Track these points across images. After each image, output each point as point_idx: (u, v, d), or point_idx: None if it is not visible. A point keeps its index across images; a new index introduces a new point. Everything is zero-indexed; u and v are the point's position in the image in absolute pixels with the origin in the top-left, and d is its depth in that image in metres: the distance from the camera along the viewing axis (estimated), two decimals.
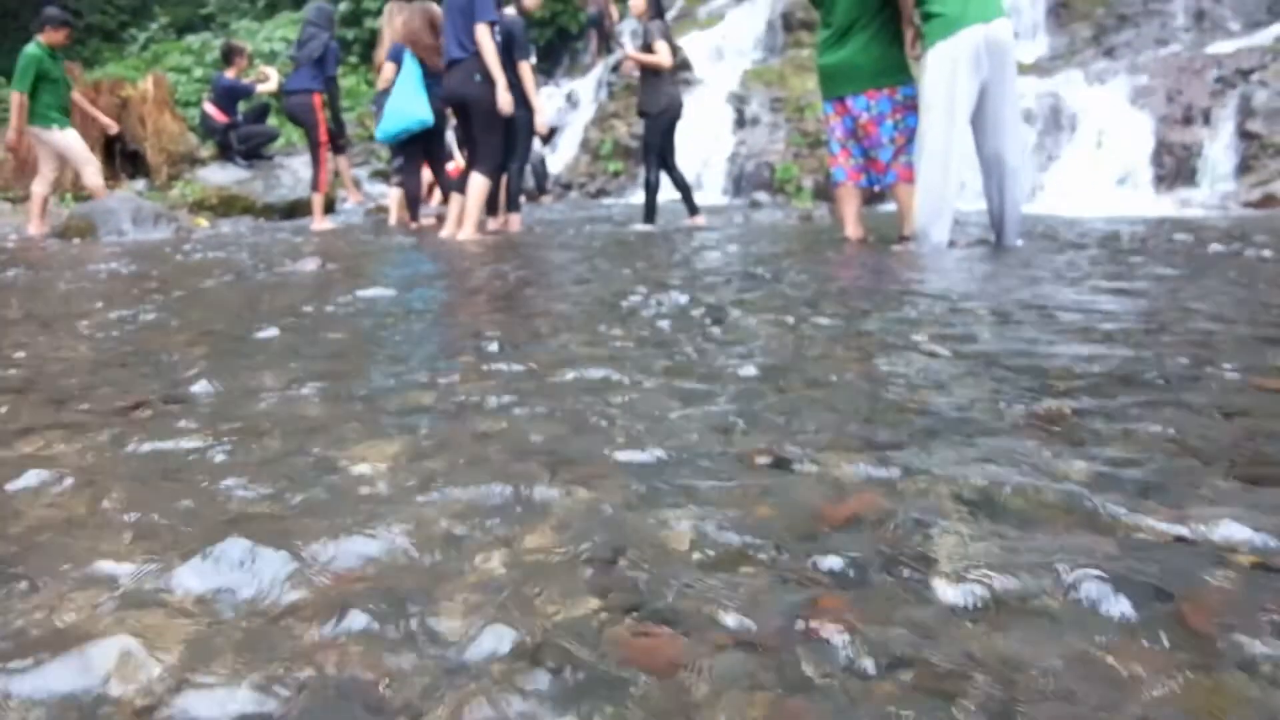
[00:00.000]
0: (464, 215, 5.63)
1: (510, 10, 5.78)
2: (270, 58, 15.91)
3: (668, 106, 6.01)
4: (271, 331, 2.36)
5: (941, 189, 4.16)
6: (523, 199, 9.07)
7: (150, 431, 1.42)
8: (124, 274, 4.10)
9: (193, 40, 16.89)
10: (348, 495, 1.12)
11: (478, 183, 5.59)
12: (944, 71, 4.07)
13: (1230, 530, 0.95)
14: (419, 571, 0.90)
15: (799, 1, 11.21)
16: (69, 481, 1.19)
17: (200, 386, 1.72)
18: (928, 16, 4.13)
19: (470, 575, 0.89)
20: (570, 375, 1.75)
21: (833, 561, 0.90)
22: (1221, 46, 9.23)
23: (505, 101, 5.47)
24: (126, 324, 2.57)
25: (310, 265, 4.16)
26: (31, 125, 7.56)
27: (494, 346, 2.06)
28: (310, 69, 7.30)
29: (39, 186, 7.74)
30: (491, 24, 5.40)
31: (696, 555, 0.93)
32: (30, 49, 7.53)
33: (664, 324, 2.32)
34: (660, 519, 1.03)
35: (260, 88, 9.49)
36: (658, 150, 6.14)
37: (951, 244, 4.27)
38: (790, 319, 2.34)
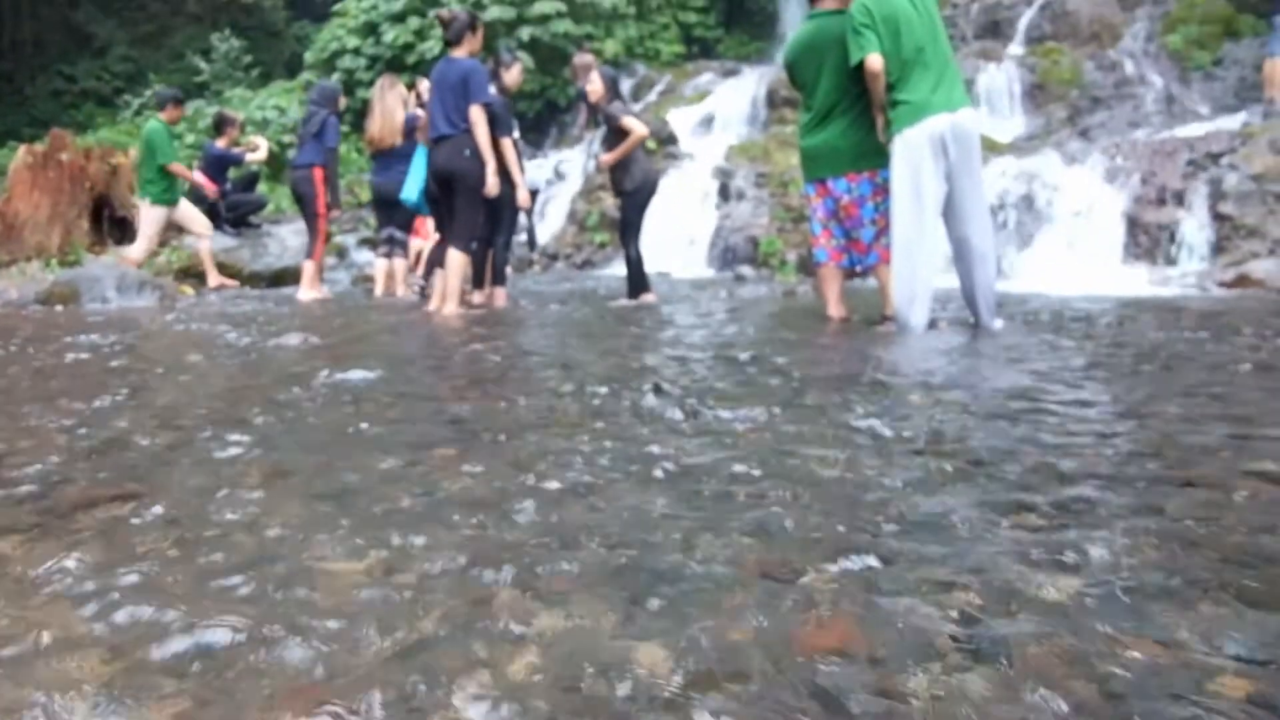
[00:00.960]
0: (446, 293, 5.65)
1: (491, 88, 5.89)
2: (262, 125, 16.11)
3: (644, 183, 6.08)
4: (248, 420, 2.33)
5: (913, 274, 4.21)
6: (509, 270, 9.18)
7: (102, 535, 1.39)
8: (103, 347, 4.07)
9: (185, 107, 17.08)
10: (314, 612, 1.09)
11: (455, 258, 5.64)
12: (910, 158, 4.18)
13: (1220, 659, 0.94)
14: (393, 706, 0.87)
15: (783, 79, 11.47)
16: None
17: (163, 484, 1.69)
18: (895, 104, 4.24)
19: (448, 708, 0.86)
20: (546, 480, 1.73)
21: (815, 691, 0.88)
22: (1192, 130, 9.49)
23: (493, 185, 5.55)
24: (98, 409, 2.54)
25: (293, 340, 4.15)
26: (141, 197, 8.37)
27: (468, 443, 2.04)
28: (312, 144, 7.46)
29: (136, 253, 8.40)
30: (485, 105, 5.51)
31: (676, 678, 0.91)
32: (156, 125, 8.18)
33: (643, 417, 2.31)
34: (633, 640, 1.00)
35: (250, 156, 9.62)
36: (637, 227, 6.20)
37: (933, 324, 4.30)
38: (771, 412, 2.33)
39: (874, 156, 4.56)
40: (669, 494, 1.60)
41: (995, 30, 13.32)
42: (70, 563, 1.28)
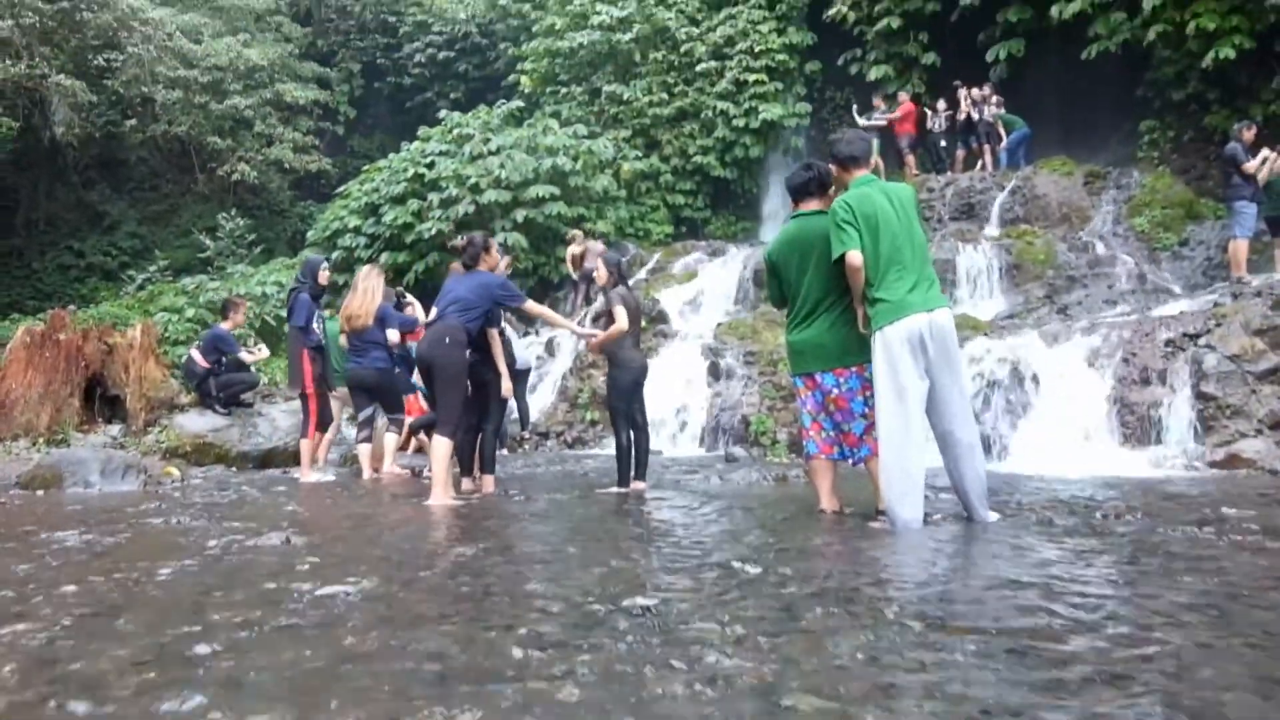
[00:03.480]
0: (433, 481, 5.61)
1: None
2: (261, 300, 16.47)
3: (630, 368, 6.17)
4: (211, 648, 2.22)
5: (903, 471, 4.20)
6: (504, 450, 9.19)
7: None
8: (73, 549, 3.95)
9: (188, 282, 17.51)
10: None
11: (440, 445, 5.63)
12: (889, 356, 4.26)
13: None
14: None
15: None
16: None
17: None
18: (874, 301, 4.36)
19: None
20: None
21: None
22: (1167, 309, 9.78)
23: (507, 389, 6.03)
24: (53, 635, 2.42)
25: (274, 539, 4.04)
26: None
27: (447, 693, 1.94)
28: (292, 329, 7.64)
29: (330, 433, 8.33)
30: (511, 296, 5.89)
31: None
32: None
33: (628, 654, 2.21)
34: None
35: (247, 357, 9.71)
36: (625, 412, 6.23)
37: (927, 518, 4.24)
38: (766, 640, 2.24)
39: (861, 351, 4.63)
40: None
41: (970, 212, 13.94)
42: None
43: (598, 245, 14.55)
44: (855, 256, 4.34)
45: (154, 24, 19.10)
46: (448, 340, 5.62)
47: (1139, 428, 7.74)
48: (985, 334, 9.20)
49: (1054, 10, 14.21)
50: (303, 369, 7.61)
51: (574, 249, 13.83)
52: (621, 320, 6.02)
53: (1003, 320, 10.82)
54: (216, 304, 16.69)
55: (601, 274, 6.31)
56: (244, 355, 9.61)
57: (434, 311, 5.99)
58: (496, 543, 4.07)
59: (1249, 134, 10.24)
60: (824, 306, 4.69)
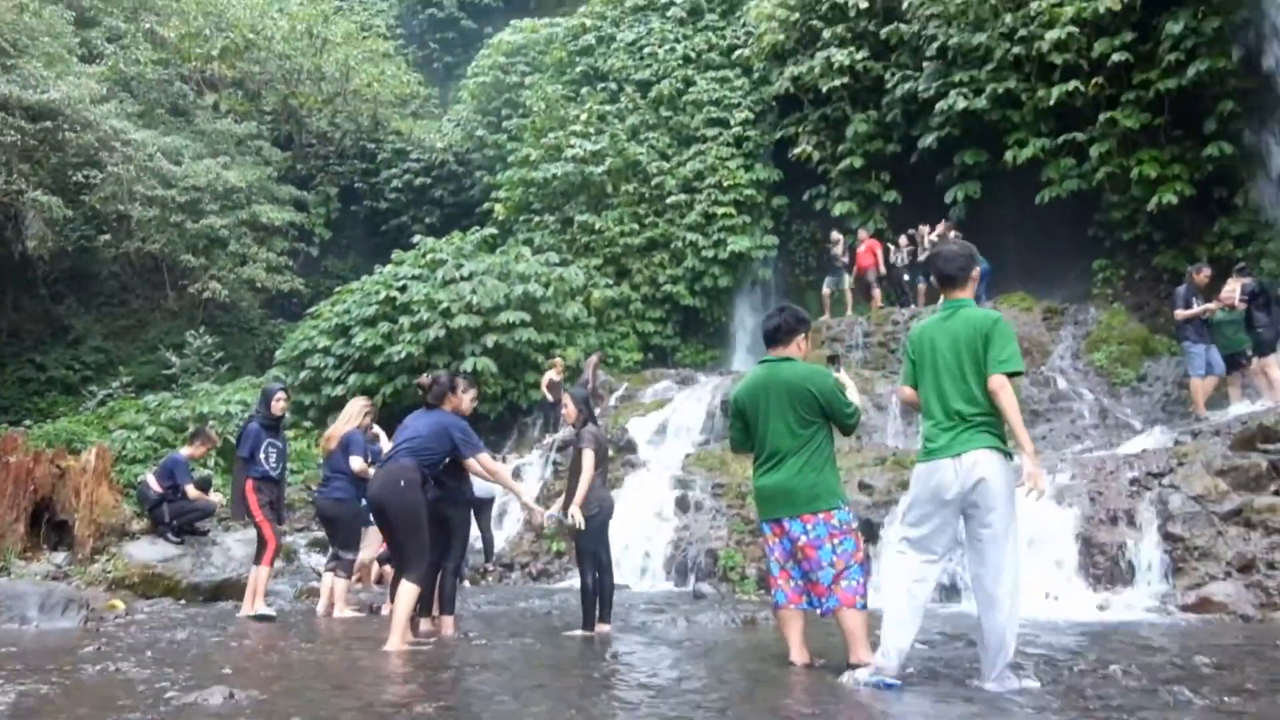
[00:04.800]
0: (393, 625, 5.39)
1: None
2: (226, 419, 16.21)
3: (599, 509, 6.08)
4: None
5: (896, 613, 4.09)
6: (465, 583, 8.92)
7: None
8: None
9: (151, 399, 17.23)
10: None
11: (405, 591, 5.39)
12: (915, 490, 4.27)
13: None
14: None
15: None
16: None
17: None
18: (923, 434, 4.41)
19: None
20: None
21: None
22: (1130, 446, 9.90)
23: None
24: None
25: (215, 699, 3.82)
26: None
27: None
28: (236, 459, 7.54)
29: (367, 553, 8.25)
30: (481, 454, 5.79)
31: None
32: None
33: None
34: None
35: (192, 492, 9.17)
36: (592, 553, 6.10)
37: (907, 675, 4.12)
38: None
39: (829, 498, 4.60)
40: None
41: None
42: None
43: (590, 358, 14.78)
44: (902, 391, 4.54)
45: (135, 145, 19.42)
46: (402, 483, 5.46)
47: (1109, 569, 7.69)
48: None
49: (1008, 155, 14.95)
50: (246, 499, 7.45)
51: (552, 375, 14.00)
52: (589, 467, 5.96)
53: None
54: (178, 422, 16.39)
55: (570, 412, 6.27)
56: (190, 491, 9.17)
57: (389, 446, 5.90)
58: (455, 698, 3.88)
59: (1200, 276, 10.62)
60: (791, 451, 4.67)
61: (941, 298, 4.58)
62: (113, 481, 10.17)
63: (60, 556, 9.36)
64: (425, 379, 6.04)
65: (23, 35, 19.32)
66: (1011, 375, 4.10)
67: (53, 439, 15.52)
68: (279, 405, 7.83)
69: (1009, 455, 4.15)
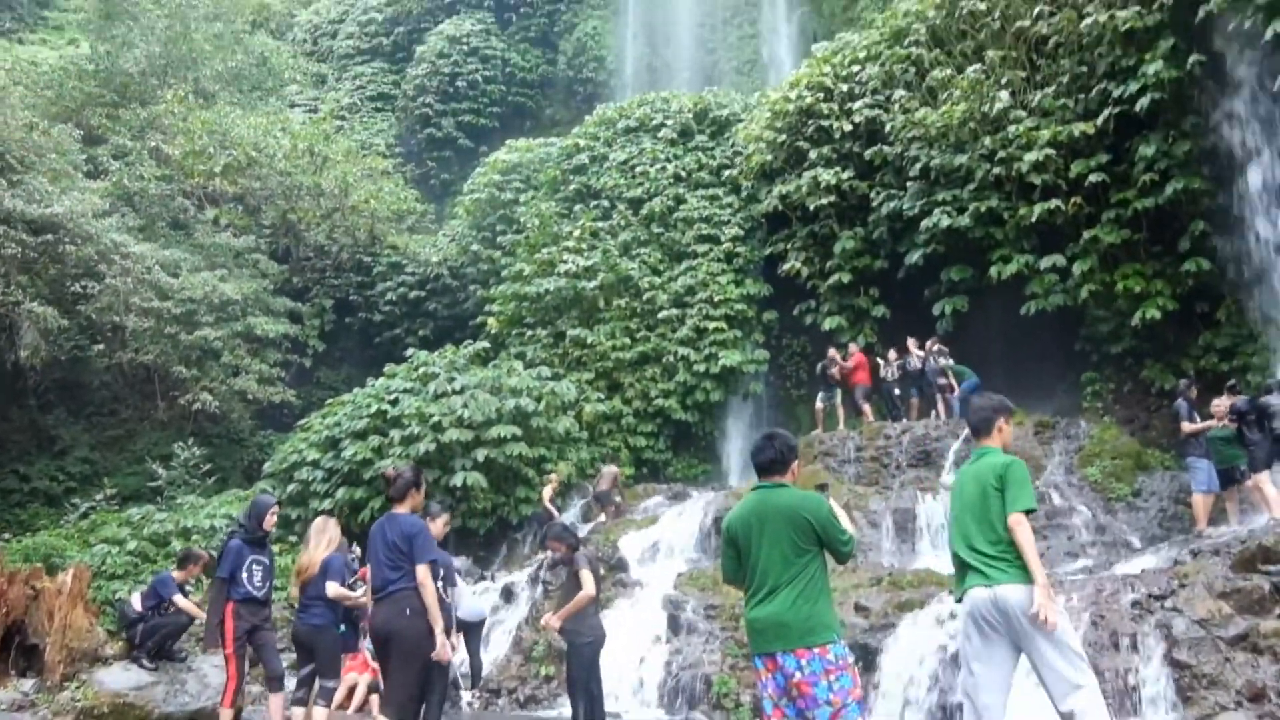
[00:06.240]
0: None
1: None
2: (210, 534, 15.95)
3: (592, 639, 5.92)
4: None
5: None
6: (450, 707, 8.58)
7: None
8: None
9: (134, 513, 16.97)
10: None
11: None
12: (962, 626, 4.64)
13: None
14: None
15: (732, 507, 11.81)
16: None
17: None
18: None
19: None
20: None
21: None
22: (1129, 565, 9.74)
23: (443, 649, 5.35)
24: None
25: None
26: None
27: None
28: (215, 579, 7.23)
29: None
30: (432, 562, 5.48)
31: None
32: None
33: None
34: None
35: (180, 601, 8.94)
36: (584, 682, 5.91)
37: None
38: None
39: (824, 631, 4.48)
40: None
41: (927, 460, 14.15)
42: None
43: (611, 469, 14.75)
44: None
45: (135, 258, 19.69)
46: (408, 611, 5.31)
47: (1115, 698, 7.45)
48: (949, 591, 9.03)
49: (993, 271, 15.22)
50: (223, 626, 7.09)
51: (549, 491, 14.05)
52: (590, 586, 5.85)
53: None
54: (161, 536, 16.07)
55: (559, 549, 6.22)
56: (178, 599, 8.88)
57: (368, 568, 5.73)
58: None
59: (1192, 392, 10.73)
60: (785, 582, 4.57)
61: (980, 443, 5.00)
62: (89, 603, 9.88)
63: (29, 684, 9.00)
64: (390, 470, 5.88)
65: (30, 152, 19.84)
66: (1027, 512, 4.59)
67: (31, 554, 15.20)
68: (271, 520, 7.52)
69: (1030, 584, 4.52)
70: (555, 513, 14.40)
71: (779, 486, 4.75)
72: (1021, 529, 4.50)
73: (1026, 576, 4.46)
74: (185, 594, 9.09)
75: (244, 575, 7.15)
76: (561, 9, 32.57)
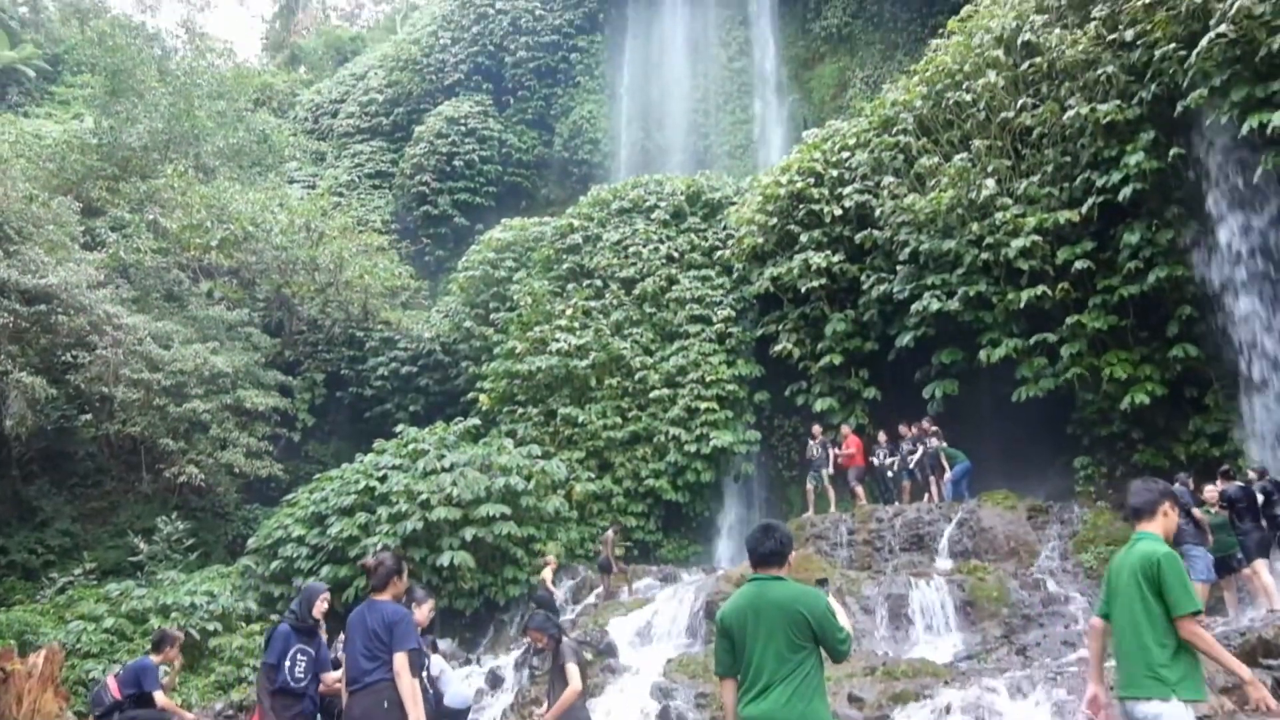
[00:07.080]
0: None
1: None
2: (189, 611, 15.60)
3: None
4: None
5: None
6: None
7: None
8: None
9: (113, 588, 16.59)
10: None
11: None
12: None
13: None
14: None
15: (724, 591, 11.62)
16: None
17: None
18: None
19: None
20: None
21: None
22: None
23: None
24: None
25: None
26: None
27: None
28: (262, 666, 6.94)
29: None
30: (411, 651, 5.34)
31: None
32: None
33: None
34: None
35: (160, 699, 8.66)
36: None
37: None
38: None
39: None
40: None
41: (920, 544, 14.01)
42: None
43: (608, 534, 14.69)
44: (1094, 622, 4.84)
45: (127, 329, 19.67)
46: (386, 704, 5.17)
47: None
48: (946, 682, 8.86)
49: (982, 354, 15.32)
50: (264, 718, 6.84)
51: (549, 573, 13.94)
52: (576, 681, 5.71)
53: (962, 660, 10.50)
54: (139, 614, 15.66)
55: (541, 640, 6.10)
56: (159, 698, 8.57)
57: (343, 654, 5.57)
58: None
59: (1192, 482, 10.75)
60: (780, 677, 4.48)
61: (1139, 527, 4.84)
62: (59, 686, 9.59)
63: None
64: (370, 561, 5.76)
65: (29, 223, 19.99)
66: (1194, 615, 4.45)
67: (4, 630, 14.79)
68: (321, 608, 7.13)
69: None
70: (555, 592, 14.21)
71: (776, 579, 4.69)
72: (1199, 636, 4.44)
73: (1166, 685, 4.39)
74: (162, 683, 8.76)
75: (287, 664, 6.85)
76: (558, 92, 33.37)
